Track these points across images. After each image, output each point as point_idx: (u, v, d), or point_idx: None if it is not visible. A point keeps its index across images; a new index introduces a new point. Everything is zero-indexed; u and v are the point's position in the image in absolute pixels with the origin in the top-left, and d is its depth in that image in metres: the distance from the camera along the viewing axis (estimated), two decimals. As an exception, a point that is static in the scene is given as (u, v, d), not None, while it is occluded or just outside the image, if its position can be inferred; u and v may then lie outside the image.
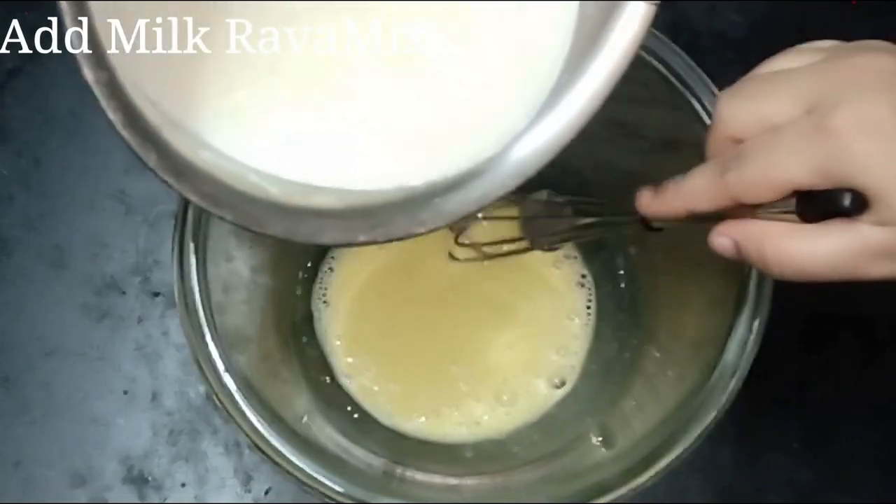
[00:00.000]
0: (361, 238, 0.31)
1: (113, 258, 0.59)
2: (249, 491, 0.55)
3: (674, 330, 0.49)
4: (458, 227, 0.55)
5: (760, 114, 0.33)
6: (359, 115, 0.33)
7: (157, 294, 0.58)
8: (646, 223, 0.40)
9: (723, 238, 0.34)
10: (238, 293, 0.48)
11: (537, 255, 0.59)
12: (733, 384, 0.41)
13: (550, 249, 0.53)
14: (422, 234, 0.31)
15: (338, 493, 0.41)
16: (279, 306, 0.54)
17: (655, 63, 0.45)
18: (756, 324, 0.42)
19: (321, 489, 0.41)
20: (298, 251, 0.56)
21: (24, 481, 0.55)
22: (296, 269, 0.56)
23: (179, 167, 0.29)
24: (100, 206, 0.60)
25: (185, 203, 0.43)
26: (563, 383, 0.56)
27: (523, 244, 0.51)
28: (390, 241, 0.31)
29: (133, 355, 0.57)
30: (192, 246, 0.43)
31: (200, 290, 0.42)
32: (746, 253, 0.34)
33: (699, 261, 0.46)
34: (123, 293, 0.58)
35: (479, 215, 0.54)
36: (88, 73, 0.26)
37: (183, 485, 0.55)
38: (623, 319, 0.55)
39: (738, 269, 0.42)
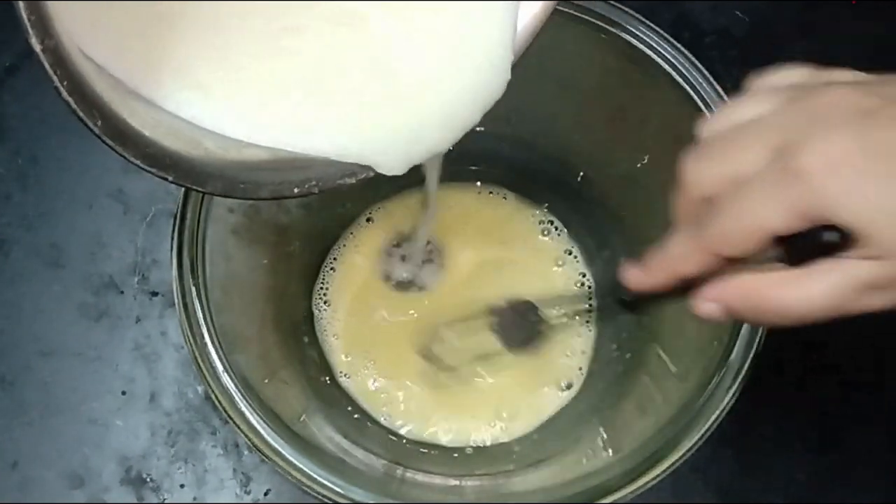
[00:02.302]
0: (295, 191, 0.33)
1: (111, 257, 0.59)
2: (248, 492, 0.55)
3: (676, 331, 0.49)
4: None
5: (728, 171, 0.32)
6: (294, 77, 0.34)
7: (155, 294, 0.58)
8: (623, 302, 0.39)
9: (708, 303, 0.34)
10: (237, 293, 0.48)
11: (536, 256, 0.59)
12: (736, 385, 0.41)
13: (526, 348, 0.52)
14: (353, 183, 0.33)
15: (337, 493, 0.40)
16: (278, 306, 0.53)
17: (658, 60, 0.45)
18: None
19: (321, 490, 0.40)
20: (298, 251, 0.56)
21: (22, 482, 0.55)
22: (295, 269, 0.56)
23: (123, 131, 0.30)
24: (98, 205, 0.60)
25: (185, 202, 0.43)
26: (569, 386, 0.56)
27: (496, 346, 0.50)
28: (322, 192, 0.34)
29: (131, 355, 0.57)
30: (190, 245, 0.43)
31: (199, 290, 0.42)
32: (738, 312, 0.33)
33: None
34: (122, 293, 0.58)
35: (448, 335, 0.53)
36: (34, 41, 0.26)
37: (182, 486, 0.55)
38: (625, 320, 0.55)
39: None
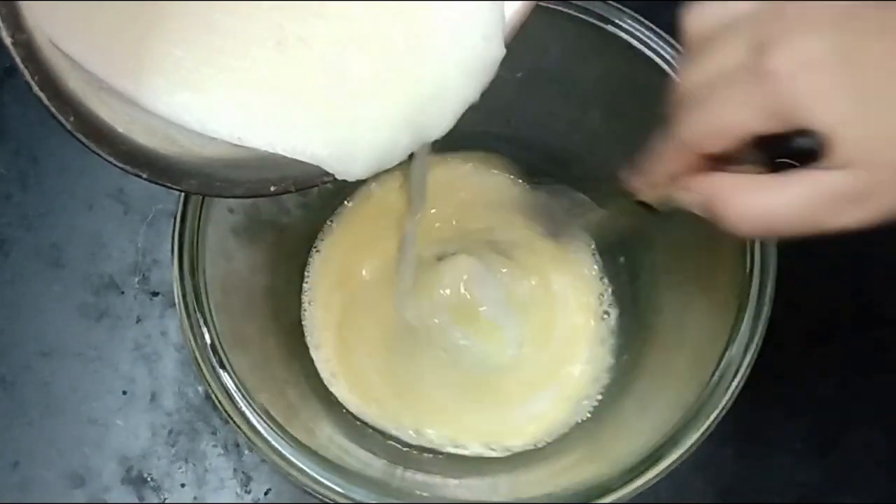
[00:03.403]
0: (272, 189, 0.33)
1: (111, 257, 0.59)
2: (249, 491, 0.55)
3: (676, 329, 0.49)
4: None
5: (709, 70, 0.31)
6: (273, 76, 0.33)
7: (155, 294, 0.58)
8: (643, 204, 0.40)
9: (690, 193, 0.34)
10: (237, 293, 0.48)
11: (535, 255, 0.58)
12: (736, 384, 0.41)
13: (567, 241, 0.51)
14: (333, 181, 0.33)
15: (338, 493, 0.40)
16: (278, 306, 0.53)
17: (658, 60, 0.45)
18: (759, 323, 0.42)
19: (321, 490, 0.40)
20: (298, 251, 0.56)
21: (23, 482, 0.55)
22: (295, 269, 0.56)
23: (97, 127, 0.29)
24: (98, 205, 0.60)
25: (185, 202, 0.43)
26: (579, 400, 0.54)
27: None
28: (300, 190, 0.34)
29: (132, 355, 0.57)
30: (191, 245, 0.43)
31: (199, 290, 0.42)
32: (713, 210, 0.33)
33: (701, 260, 0.46)
34: (122, 293, 0.58)
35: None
36: (5, 34, 0.26)
37: (182, 485, 0.55)
38: (625, 319, 0.55)
39: (740, 268, 0.42)
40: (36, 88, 0.27)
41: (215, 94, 0.33)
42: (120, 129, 0.30)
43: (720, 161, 0.32)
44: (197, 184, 0.32)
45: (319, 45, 0.33)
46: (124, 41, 0.32)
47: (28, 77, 0.27)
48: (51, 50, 0.28)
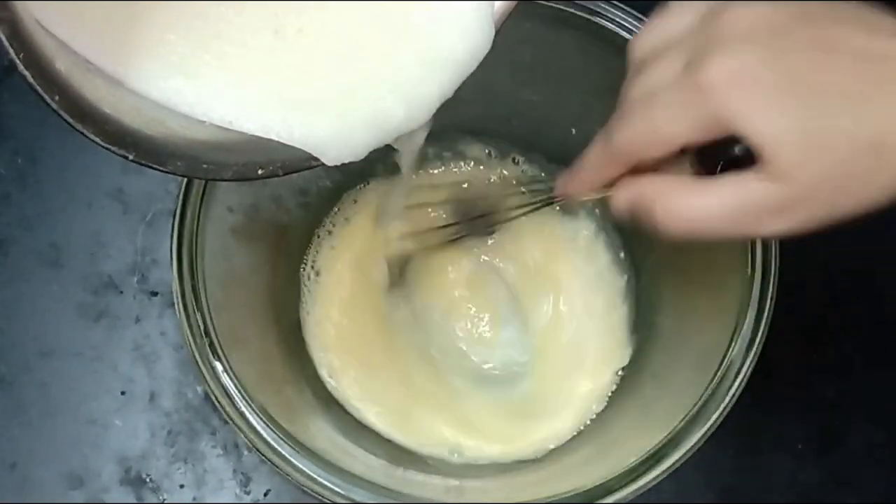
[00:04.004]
0: (260, 172, 0.33)
1: (110, 257, 0.59)
2: (248, 492, 0.54)
3: (678, 329, 0.49)
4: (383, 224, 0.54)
5: (645, 87, 0.32)
6: (259, 60, 0.34)
7: (154, 293, 0.58)
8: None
9: (621, 193, 0.34)
10: (236, 292, 0.48)
11: (532, 252, 0.58)
12: (737, 385, 0.41)
13: (487, 234, 0.52)
14: (321, 165, 0.33)
15: (337, 493, 0.40)
16: (278, 305, 0.53)
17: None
18: (760, 324, 0.42)
19: (321, 490, 0.40)
20: (297, 250, 0.56)
21: (21, 482, 0.55)
22: (295, 268, 0.56)
23: (82, 107, 0.29)
24: (97, 204, 0.59)
25: (184, 202, 0.43)
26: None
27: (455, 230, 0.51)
28: (288, 173, 0.33)
29: (131, 355, 0.57)
30: (190, 245, 0.42)
31: (199, 290, 0.42)
32: (640, 212, 0.33)
33: (702, 260, 0.46)
34: (121, 293, 0.58)
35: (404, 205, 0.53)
36: None
37: (181, 486, 0.55)
38: (630, 321, 0.55)
39: (742, 269, 0.42)
40: (21, 66, 0.27)
41: (209, 79, 0.33)
42: (106, 110, 0.30)
43: (652, 169, 0.33)
44: (184, 165, 0.32)
45: (314, 33, 0.33)
46: (115, 26, 0.32)
47: (13, 54, 0.27)
48: (38, 30, 0.28)
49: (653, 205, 0.33)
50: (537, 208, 0.47)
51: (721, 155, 0.31)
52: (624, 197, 0.34)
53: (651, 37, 0.34)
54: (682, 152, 0.32)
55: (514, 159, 0.57)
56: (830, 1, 0.31)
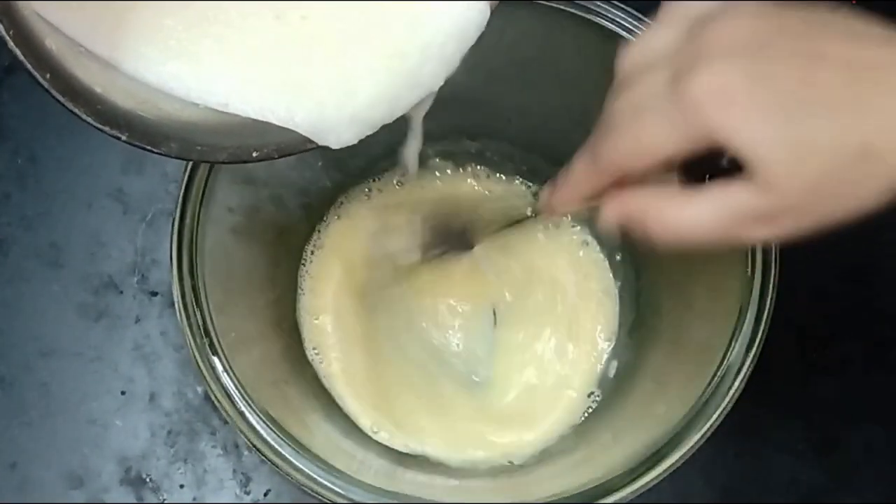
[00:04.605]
0: (254, 155, 0.33)
1: (110, 257, 0.59)
2: (248, 492, 0.54)
3: (678, 330, 0.49)
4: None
5: (631, 101, 0.32)
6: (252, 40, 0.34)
7: (155, 293, 0.58)
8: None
9: (608, 205, 0.34)
10: (236, 292, 0.48)
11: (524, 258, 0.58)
12: (737, 384, 0.41)
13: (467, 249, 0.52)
14: (316, 147, 0.33)
15: (337, 493, 0.40)
16: (278, 306, 0.53)
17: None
18: (760, 325, 0.42)
19: (321, 490, 0.40)
20: (298, 250, 0.56)
21: (21, 482, 0.55)
22: (295, 268, 0.56)
23: (74, 87, 0.29)
24: (97, 204, 0.59)
25: (184, 202, 0.43)
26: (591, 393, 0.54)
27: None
28: (283, 156, 0.33)
29: (131, 355, 0.57)
30: (190, 245, 0.42)
31: (199, 290, 0.42)
32: (630, 224, 0.34)
33: (703, 262, 0.46)
34: (121, 293, 0.58)
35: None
36: None
37: (181, 486, 0.55)
38: (628, 322, 0.55)
39: (742, 270, 0.42)
40: (11, 44, 0.27)
41: (208, 63, 0.33)
42: (98, 90, 0.30)
43: (639, 182, 0.33)
44: (177, 147, 0.32)
45: (315, 17, 0.33)
46: (110, 11, 0.31)
47: (3, 31, 0.27)
48: (29, 10, 0.28)
49: (643, 217, 0.33)
50: (519, 222, 0.47)
51: (708, 166, 0.31)
52: (612, 211, 0.34)
53: (637, 51, 0.34)
54: (668, 164, 0.32)
55: (510, 166, 0.57)
56: (817, 9, 0.31)
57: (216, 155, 0.33)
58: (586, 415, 0.53)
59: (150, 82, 0.32)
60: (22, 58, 0.28)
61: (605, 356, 0.55)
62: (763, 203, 0.30)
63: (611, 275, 0.56)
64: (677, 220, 0.32)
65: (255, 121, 0.33)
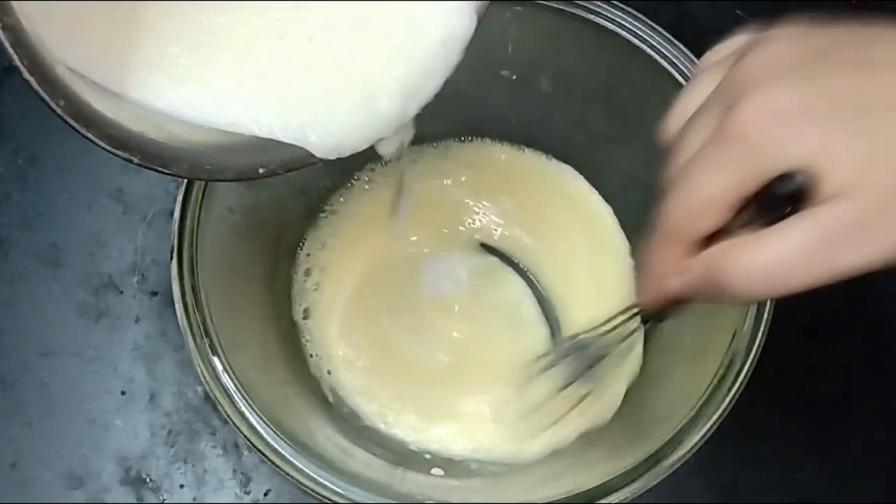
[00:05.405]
0: (261, 171, 0.34)
1: (110, 257, 0.59)
2: (248, 492, 0.54)
3: (677, 330, 0.49)
4: None
5: (680, 162, 0.32)
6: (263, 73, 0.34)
7: (154, 293, 0.58)
8: (654, 316, 0.39)
9: (688, 275, 0.32)
10: (237, 292, 0.48)
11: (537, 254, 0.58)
12: (737, 385, 0.41)
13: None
14: (320, 162, 0.34)
15: (337, 493, 0.40)
16: (278, 306, 0.53)
17: (659, 59, 0.45)
18: (760, 325, 0.42)
19: (321, 490, 0.40)
20: (298, 250, 0.56)
21: (21, 482, 0.55)
22: (294, 268, 0.56)
23: (86, 113, 0.30)
24: (97, 204, 0.59)
25: (184, 202, 0.43)
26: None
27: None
28: (289, 171, 0.34)
29: (131, 355, 0.57)
30: (190, 245, 0.42)
31: (198, 290, 0.42)
32: (714, 280, 0.30)
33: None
34: (121, 293, 0.58)
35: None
36: None
37: (181, 486, 0.55)
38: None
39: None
40: (25, 73, 0.27)
41: (213, 87, 0.33)
42: (109, 115, 0.31)
43: (716, 239, 0.31)
44: (187, 167, 0.33)
45: (318, 36, 0.34)
46: (115, 45, 0.32)
47: (17, 61, 0.27)
48: (38, 40, 0.28)
49: (723, 271, 0.30)
50: (633, 332, 0.43)
51: (773, 199, 0.29)
52: (694, 274, 0.31)
53: (676, 114, 0.33)
54: (743, 210, 0.30)
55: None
56: (847, 26, 0.30)
57: (224, 173, 0.34)
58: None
59: (160, 109, 0.33)
60: (37, 87, 0.28)
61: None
62: (846, 212, 0.28)
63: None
64: (759, 264, 0.29)
65: (259, 138, 0.34)
